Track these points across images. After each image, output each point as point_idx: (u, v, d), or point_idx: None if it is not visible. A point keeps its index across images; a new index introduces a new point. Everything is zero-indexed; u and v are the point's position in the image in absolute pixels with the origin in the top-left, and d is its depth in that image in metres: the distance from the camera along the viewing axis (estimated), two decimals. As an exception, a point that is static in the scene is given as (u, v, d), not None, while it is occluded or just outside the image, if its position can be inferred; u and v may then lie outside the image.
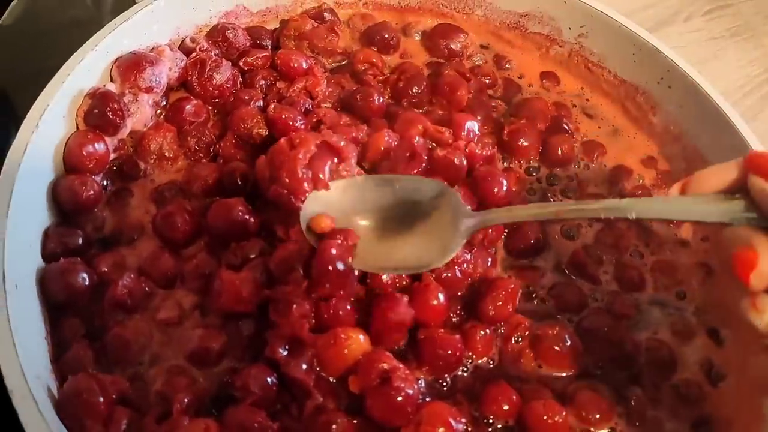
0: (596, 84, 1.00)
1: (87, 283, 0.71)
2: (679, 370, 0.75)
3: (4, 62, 1.05)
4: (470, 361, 0.73)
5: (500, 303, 0.74)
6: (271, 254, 0.72)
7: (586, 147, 0.93)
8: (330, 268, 0.68)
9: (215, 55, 0.91)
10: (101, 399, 0.62)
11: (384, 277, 0.72)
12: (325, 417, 0.65)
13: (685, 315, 0.79)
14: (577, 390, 0.71)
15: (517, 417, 0.69)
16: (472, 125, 0.86)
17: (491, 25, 1.05)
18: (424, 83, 0.94)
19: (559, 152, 0.90)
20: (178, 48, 0.92)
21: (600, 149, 0.93)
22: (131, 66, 0.83)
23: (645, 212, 0.65)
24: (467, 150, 0.82)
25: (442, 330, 0.71)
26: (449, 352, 0.70)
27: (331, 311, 0.69)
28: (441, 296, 0.72)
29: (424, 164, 0.80)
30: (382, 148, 0.80)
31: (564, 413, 0.68)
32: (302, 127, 0.83)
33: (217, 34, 0.94)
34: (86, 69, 0.81)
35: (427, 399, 0.68)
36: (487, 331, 0.74)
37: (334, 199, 0.74)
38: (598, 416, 0.70)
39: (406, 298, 0.70)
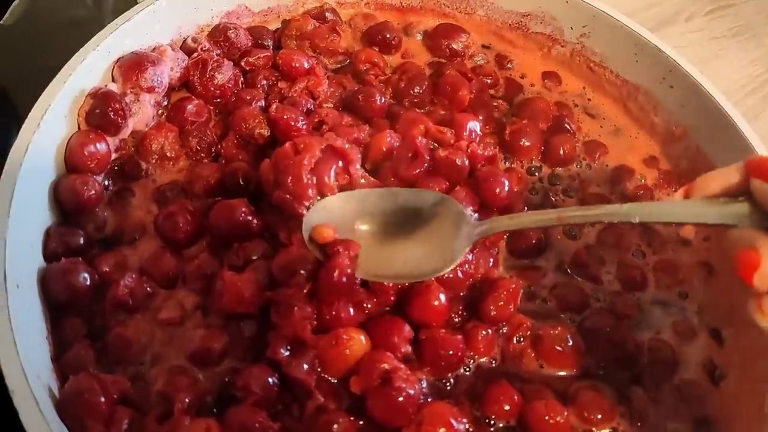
0: (598, 84, 1.00)
1: (88, 282, 0.71)
2: (681, 370, 0.75)
3: (6, 62, 1.05)
4: (472, 361, 0.73)
5: (502, 303, 0.74)
6: (273, 256, 0.72)
7: (588, 147, 0.93)
8: (338, 287, 0.68)
9: (217, 55, 0.91)
10: (102, 399, 0.62)
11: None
12: (326, 417, 0.65)
13: (687, 315, 0.79)
14: (579, 390, 0.71)
15: (519, 417, 0.69)
16: (474, 125, 0.86)
17: (493, 25, 1.04)
18: (426, 83, 0.94)
19: (561, 152, 0.90)
20: (180, 48, 0.92)
21: (602, 149, 0.93)
22: (133, 66, 0.83)
23: (648, 216, 0.65)
24: (469, 150, 0.82)
25: (444, 330, 0.71)
26: (451, 352, 0.70)
27: (333, 312, 0.69)
28: (442, 297, 0.72)
29: (426, 164, 0.80)
30: (384, 149, 0.80)
31: (565, 413, 0.68)
32: (304, 127, 0.83)
33: (218, 34, 0.93)
34: (88, 69, 0.81)
35: (429, 399, 0.68)
36: (489, 331, 0.73)
37: (336, 207, 0.74)
38: (599, 416, 0.69)
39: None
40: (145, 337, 0.70)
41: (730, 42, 1.35)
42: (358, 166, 0.77)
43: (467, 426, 0.67)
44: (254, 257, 0.74)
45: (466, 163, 0.80)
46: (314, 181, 0.74)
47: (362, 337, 0.69)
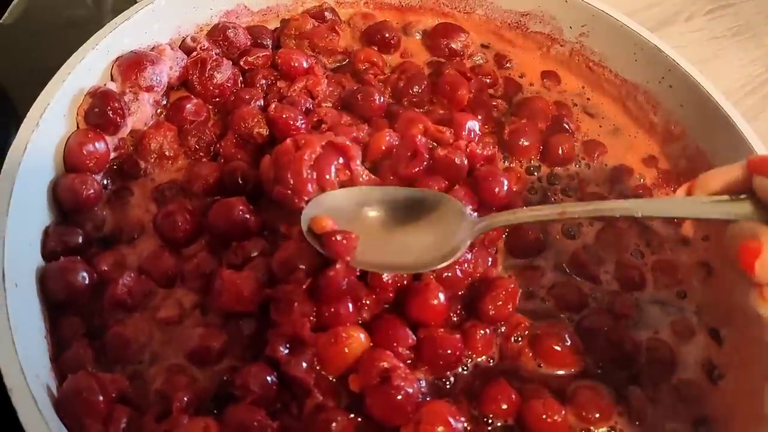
0: (597, 83, 1.00)
1: (87, 281, 0.71)
2: (680, 370, 0.75)
3: (5, 61, 1.05)
4: (470, 360, 0.73)
5: (500, 302, 0.74)
6: (272, 254, 0.73)
7: (587, 146, 0.93)
8: (338, 291, 0.69)
9: (216, 54, 0.91)
10: (101, 398, 0.62)
11: (385, 276, 0.71)
12: (324, 415, 0.65)
13: (686, 314, 0.79)
14: (577, 389, 0.71)
15: (517, 416, 0.69)
16: (473, 125, 0.86)
17: (492, 25, 1.04)
18: (425, 83, 0.94)
19: (560, 151, 0.90)
20: (179, 47, 0.92)
21: (601, 148, 0.93)
22: (132, 65, 0.83)
23: (651, 212, 0.65)
24: (468, 149, 0.82)
25: (442, 329, 0.71)
26: (449, 351, 0.70)
27: (332, 310, 0.70)
28: (441, 296, 0.72)
29: (425, 163, 0.80)
30: (383, 148, 0.80)
31: (563, 412, 0.68)
32: (303, 126, 0.83)
33: (217, 33, 0.94)
34: (87, 68, 0.81)
35: (427, 398, 0.68)
36: (487, 330, 0.74)
37: (336, 199, 0.74)
38: (597, 415, 0.70)
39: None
40: (144, 336, 0.70)
41: (729, 42, 1.35)
42: (358, 162, 0.77)
43: (465, 425, 0.67)
44: (253, 255, 0.74)
45: (465, 162, 0.80)
46: (314, 177, 0.74)
47: (361, 336, 0.69)
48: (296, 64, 0.92)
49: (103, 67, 0.84)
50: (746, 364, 0.74)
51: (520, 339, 0.74)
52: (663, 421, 0.71)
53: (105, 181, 0.81)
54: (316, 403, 0.66)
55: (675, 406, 0.73)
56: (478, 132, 0.86)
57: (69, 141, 0.79)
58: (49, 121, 0.76)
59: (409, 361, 0.70)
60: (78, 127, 0.81)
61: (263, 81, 0.91)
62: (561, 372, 0.73)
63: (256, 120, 0.84)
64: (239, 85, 0.91)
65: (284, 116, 0.82)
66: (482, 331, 0.73)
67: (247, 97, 0.88)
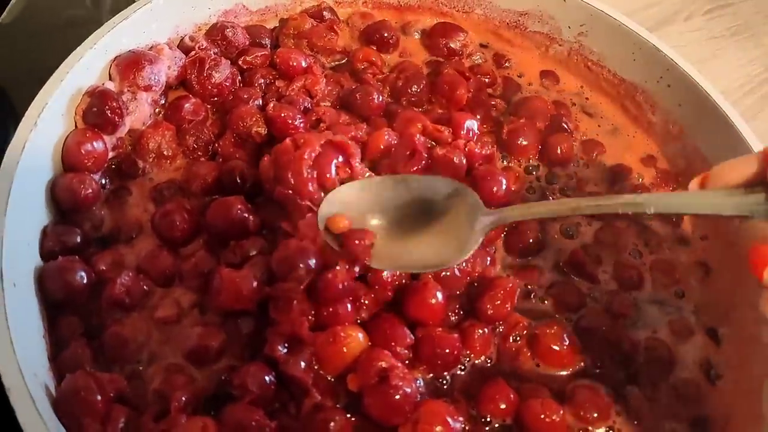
0: (596, 83, 1.00)
1: (85, 281, 0.71)
2: (678, 369, 0.75)
3: (4, 60, 1.05)
4: (468, 359, 0.73)
5: (499, 302, 0.74)
6: (271, 252, 0.72)
7: (586, 146, 0.93)
8: (336, 296, 0.69)
9: (214, 53, 0.91)
10: (99, 397, 0.62)
11: (384, 274, 0.71)
12: (323, 415, 0.65)
13: (684, 314, 0.79)
14: (575, 389, 0.71)
15: (515, 415, 0.69)
16: (472, 124, 0.86)
17: (491, 24, 1.04)
18: (424, 82, 0.94)
19: (559, 151, 0.90)
20: (177, 46, 0.92)
21: (599, 148, 0.93)
22: (130, 64, 0.83)
23: (664, 207, 0.63)
24: (466, 149, 0.82)
25: (440, 329, 0.71)
26: (447, 350, 0.70)
27: (331, 309, 0.69)
28: (439, 295, 0.72)
29: (423, 162, 0.80)
30: (382, 147, 0.80)
31: (561, 412, 0.68)
32: (301, 125, 0.83)
33: (216, 32, 0.94)
34: (85, 67, 0.81)
35: (425, 397, 0.68)
36: (486, 330, 0.74)
37: (351, 198, 0.74)
38: (595, 415, 0.70)
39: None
40: (142, 336, 0.70)
41: (728, 41, 1.35)
42: (358, 160, 0.77)
43: (463, 424, 0.67)
44: (252, 254, 0.74)
45: (464, 161, 0.81)
46: (314, 176, 0.74)
47: (360, 335, 0.69)
48: (295, 64, 0.92)
49: (101, 66, 0.84)
50: (744, 363, 0.74)
51: (518, 338, 0.74)
52: (661, 420, 0.72)
53: (103, 181, 0.81)
54: (315, 403, 0.66)
55: (673, 405, 0.73)
56: (476, 131, 0.87)
57: (67, 140, 0.79)
58: (48, 121, 0.76)
59: (407, 361, 0.70)
60: (76, 126, 0.81)
61: (262, 80, 0.91)
62: (559, 372, 0.74)
63: (254, 119, 0.84)
64: (238, 84, 0.91)
65: (283, 115, 0.82)
66: (480, 331, 0.73)
67: (245, 96, 0.88)
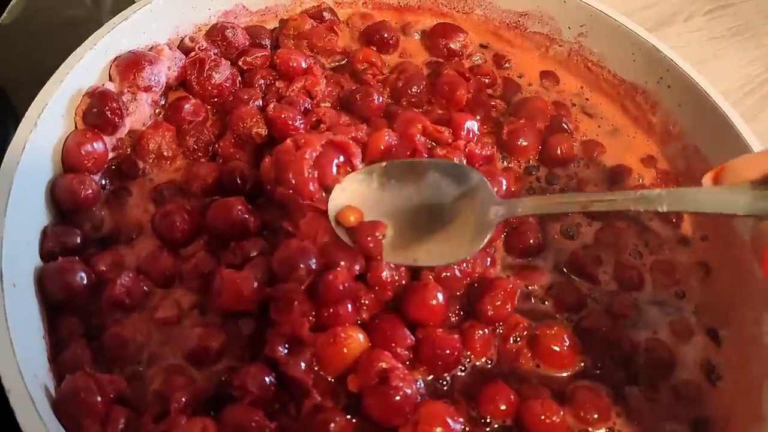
0: (596, 83, 1.00)
1: (85, 282, 0.71)
2: (678, 370, 0.75)
3: (4, 61, 1.05)
4: (468, 360, 0.73)
5: (499, 303, 0.74)
6: (271, 253, 0.72)
7: (586, 146, 0.93)
8: (336, 298, 0.69)
9: (214, 54, 0.91)
10: (99, 398, 0.62)
11: (384, 274, 0.71)
12: (323, 416, 0.65)
13: (684, 315, 0.79)
14: (575, 390, 0.71)
15: (515, 416, 0.69)
16: (472, 125, 0.86)
17: (491, 25, 1.04)
18: (424, 83, 0.94)
19: (559, 152, 0.90)
20: (177, 47, 0.92)
21: (599, 148, 0.93)
22: (130, 65, 0.83)
23: (677, 204, 0.63)
24: (467, 149, 0.82)
25: (441, 330, 0.71)
26: (447, 351, 0.70)
27: (331, 310, 0.69)
28: (440, 296, 0.72)
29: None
30: (382, 147, 0.80)
31: (561, 413, 0.68)
32: (301, 126, 0.83)
33: (216, 33, 0.93)
34: (85, 68, 0.81)
35: (426, 398, 0.68)
36: (486, 330, 0.74)
37: (362, 190, 0.75)
38: (596, 416, 0.70)
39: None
40: (142, 337, 0.70)
41: (729, 42, 1.35)
42: (359, 160, 0.77)
43: (463, 425, 0.67)
44: (252, 255, 0.74)
45: (464, 162, 0.80)
46: (316, 176, 0.74)
47: (360, 336, 0.69)
48: (295, 64, 0.92)
49: (101, 67, 0.84)
50: (745, 364, 0.74)
51: (518, 339, 0.74)
52: (661, 421, 0.71)
53: (103, 182, 0.81)
54: (315, 404, 0.66)
55: (673, 406, 0.73)
56: (476, 132, 0.87)
57: (67, 141, 0.79)
58: (48, 122, 0.76)
59: (407, 362, 0.70)
60: (76, 127, 0.81)
61: (262, 81, 0.91)
62: (559, 372, 0.74)
63: (254, 120, 0.83)
64: (238, 85, 0.91)
65: (283, 116, 0.82)
66: (481, 332, 0.73)
67: (245, 97, 0.88)
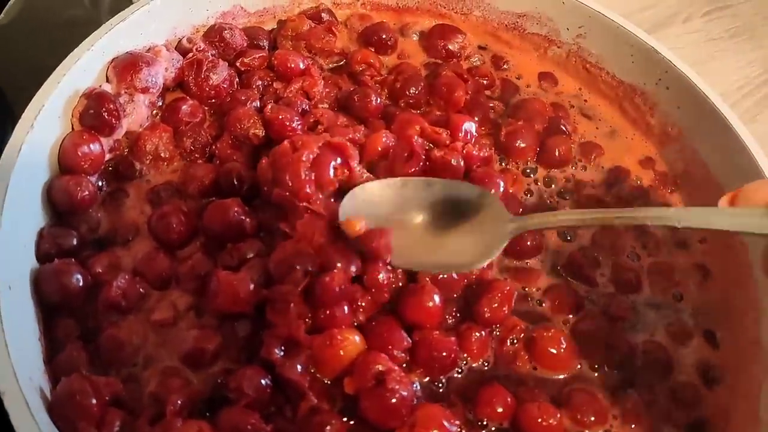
0: (594, 85, 0.99)
1: (81, 284, 0.70)
2: (675, 373, 0.75)
3: (1, 61, 1.05)
4: (465, 363, 0.73)
5: (496, 305, 0.74)
6: (268, 255, 0.72)
7: (584, 148, 0.93)
8: (333, 300, 0.69)
9: (212, 55, 0.91)
10: (94, 401, 0.62)
11: (380, 276, 0.71)
12: (319, 418, 0.65)
13: (682, 317, 0.79)
14: (572, 392, 0.71)
15: (512, 419, 0.69)
16: (470, 126, 0.86)
17: (489, 26, 1.04)
18: (422, 84, 0.94)
19: (557, 153, 0.90)
20: (175, 48, 0.92)
21: (598, 150, 0.93)
22: (127, 66, 0.83)
23: (693, 222, 0.64)
24: (464, 151, 0.82)
25: (437, 332, 0.71)
26: (444, 354, 0.70)
27: (328, 312, 0.69)
28: (437, 298, 0.72)
29: (421, 164, 0.80)
30: (380, 149, 0.80)
31: (558, 415, 0.68)
32: (299, 127, 0.83)
33: (214, 34, 0.93)
34: (82, 69, 0.81)
35: (422, 401, 0.68)
36: (483, 333, 0.73)
37: (375, 195, 0.75)
38: (593, 418, 0.69)
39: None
40: (138, 339, 0.70)
41: (727, 43, 1.34)
42: (357, 161, 0.77)
43: (460, 428, 0.67)
44: (249, 256, 0.74)
45: (462, 163, 0.81)
46: (312, 178, 0.74)
47: (356, 338, 0.69)
48: (293, 65, 0.92)
49: (98, 68, 0.84)
50: (742, 367, 0.74)
51: (515, 342, 0.74)
52: (658, 424, 0.71)
53: (100, 183, 0.81)
54: (311, 406, 0.66)
55: (670, 409, 0.72)
56: (474, 133, 0.86)
57: (64, 142, 0.79)
58: (44, 123, 0.76)
59: (404, 364, 0.70)
60: (73, 128, 0.80)
61: (259, 82, 0.91)
62: (556, 375, 0.73)
63: (252, 121, 0.83)
64: (235, 86, 0.91)
65: (280, 117, 0.82)
66: (478, 334, 0.73)
67: (243, 98, 0.88)
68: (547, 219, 0.72)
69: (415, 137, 0.81)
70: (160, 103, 0.88)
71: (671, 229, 0.67)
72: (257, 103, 0.88)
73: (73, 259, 0.72)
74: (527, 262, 0.81)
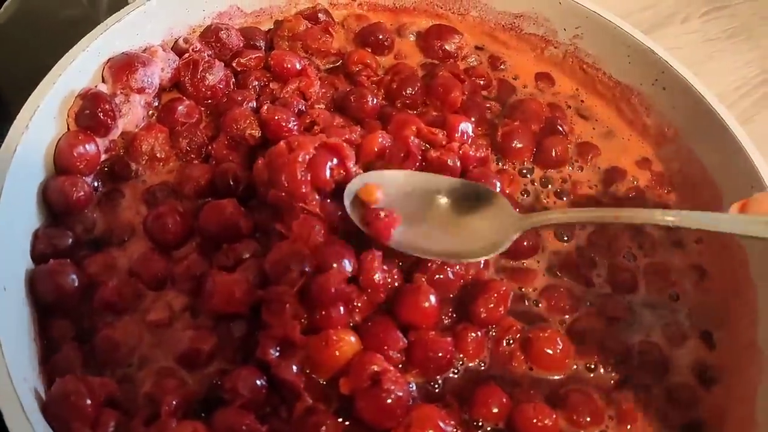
0: (591, 85, 0.99)
1: (76, 284, 0.70)
2: (671, 374, 0.75)
3: (-1, 61, 1.05)
4: (461, 363, 0.73)
5: (492, 305, 0.74)
6: (264, 255, 0.72)
7: (580, 148, 0.93)
8: (328, 300, 0.69)
9: (208, 55, 0.91)
10: (89, 401, 0.62)
11: (376, 276, 0.71)
12: (314, 419, 0.65)
13: (678, 318, 0.79)
14: (568, 393, 0.71)
15: (507, 420, 0.69)
16: (466, 127, 0.86)
17: (486, 26, 1.04)
18: (418, 84, 0.93)
19: (553, 154, 0.90)
20: (171, 49, 0.91)
21: (594, 151, 0.92)
22: (123, 67, 0.83)
23: (706, 224, 0.66)
24: (461, 151, 0.82)
25: (433, 332, 0.71)
26: (440, 354, 0.70)
27: (323, 312, 0.69)
28: (432, 298, 0.72)
29: (417, 164, 0.80)
30: (376, 149, 0.80)
31: (554, 416, 0.68)
32: (295, 128, 0.83)
33: (210, 34, 0.93)
34: (78, 70, 0.81)
35: (418, 402, 0.68)
36: (479, 333, 0.73)
37: (384, 181, 0.76)
38: (588, 419, 0.70)
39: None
40: (134, 339, 0.70)
41: (725, 44, 1.34)
42: (353, 162, 0.77)
43: (455, 429, 0.66)
44: (244, 257, 0.74)
45: (458, 164, 0.81)
46: (308, 178, 0.74)
47: (352, 338, 0.69)
48: (289, 66, 0.92)
49: (94, 68, 0.83)
50: (738, 368, 0.74)
51: (511, 342, 0.74)
52: (654, 424, 0.71)
53: (95, 183, 0.81)
54: (306, 407, 0.66)
55: (667, 410, 0.72)
56: (471, 134, 0.86)
57: (59, 143, 0.78)
58: (39, 123, 0.76)
59: (400, 365, 0.70)
60: (68, 128, 0.80)
61: (256, 82, 0.91)
62: (552, 375, 0.73)
63: (248, 121, 0.83)
64: (231, 86, 0.91)
65: (276, 118, 0.82)
66: (473, 334, 0.73)
67: (239, 98, 0.87)
68: (556, 216, 0.74)
69: (412, 138, 0.81)
70: (156, 104, 0.88)
71: (685, 229, 0.70)
72: (253, 104, 0.88)
73: (68, 260, 0.72)
74: (524, 263, 0.81)
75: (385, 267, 0.72)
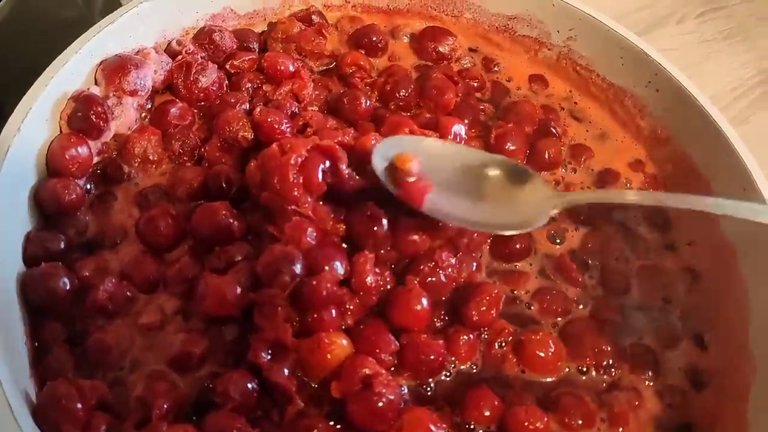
0: (584, 87, 0.99)
1: (68, 287, 0.70)
2: (663, 375, 0.75)
3: (-6, 62, 1.05)
4: (453, 366, 0.73)
5: (484, 308, 0.74)
6: (256, 258, 0.72)
7: (574, 150, 0.93)
8: (320, 303, 0.68)
9: (201, 57, 0.91)
10: (79, 405, 0.62)
11: (368, 279, 0.71)
12: (306, 422, 0.65)
13: (670, 320, 0.79)
14: (560, 395, 0.71)
15: (499, 423, 0.69)
16: (459, 129, 0.86)
17: (480, 28, 1.04)
18: (412, 86, 0.93)
19: (547, 156, 0.90)
20: (164, 51, 0.91)
21: (587, 153, 0.92)
22: (116, 69, 0.83)
23: (742, 213, 0.68)
24: (454, 153, 0.82)
25: (425, 335, 0.71)
26: (432, 357, 0.70)
27: (315, 315, 0.69)
28: (424, 301, 0.72)
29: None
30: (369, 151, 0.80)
31: (546, 419, 0.68)
32: (288, 130, 0.82)
33: (203, 36, 0.93)
34: (70, 72, 0.81)
35: (409, 405, 0.68)
36: (471, 336, 0.73)
37: (420, 148, 0.77)
38: (580, 422, 0.70)
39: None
40: (125, 342, 0.70)
41: (721, 45, 1.34)
42: (345, 164, 0.77)
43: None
44: (237, 259, 0.74)
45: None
46: (301, 181, 0.73)
47: (344, 341, 0.69)
48: (282, 68, 0.92)
49: (86, 71, 0.83)
50: (730, 369, 0.74)
51: (503, 345, 0.74)
52: (646, 427, 0.71)
53: (88, 186, 0.81)
54: (298, 410, 0.66)
55: (659, 412, 0.72)
56: (464, 136, 0.86)
57: (52, 145, 0.79)
58: (32, 125, 0.76)
59: (391, 368, 0.70)
60: (61, 131, 0.80)
61: (249, 85, 0.91)
62: (544, 378, 0.73)
63: (241, 124, 0.83)
64: (224, 88, 0.91)
65: (269, 120, 0.82)
66: (465, 337, 0.73)
67: (232, 100, 0.87)
68: (596, 195, 0.78)
69: (407, 138, 0.81)
70: (149, 106, 0.88)
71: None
72: (246, 106, 0.88)
73: (60, 263, 0.72)
74: (516, 265, 0.81)
75: (377, 270, 0.72)
